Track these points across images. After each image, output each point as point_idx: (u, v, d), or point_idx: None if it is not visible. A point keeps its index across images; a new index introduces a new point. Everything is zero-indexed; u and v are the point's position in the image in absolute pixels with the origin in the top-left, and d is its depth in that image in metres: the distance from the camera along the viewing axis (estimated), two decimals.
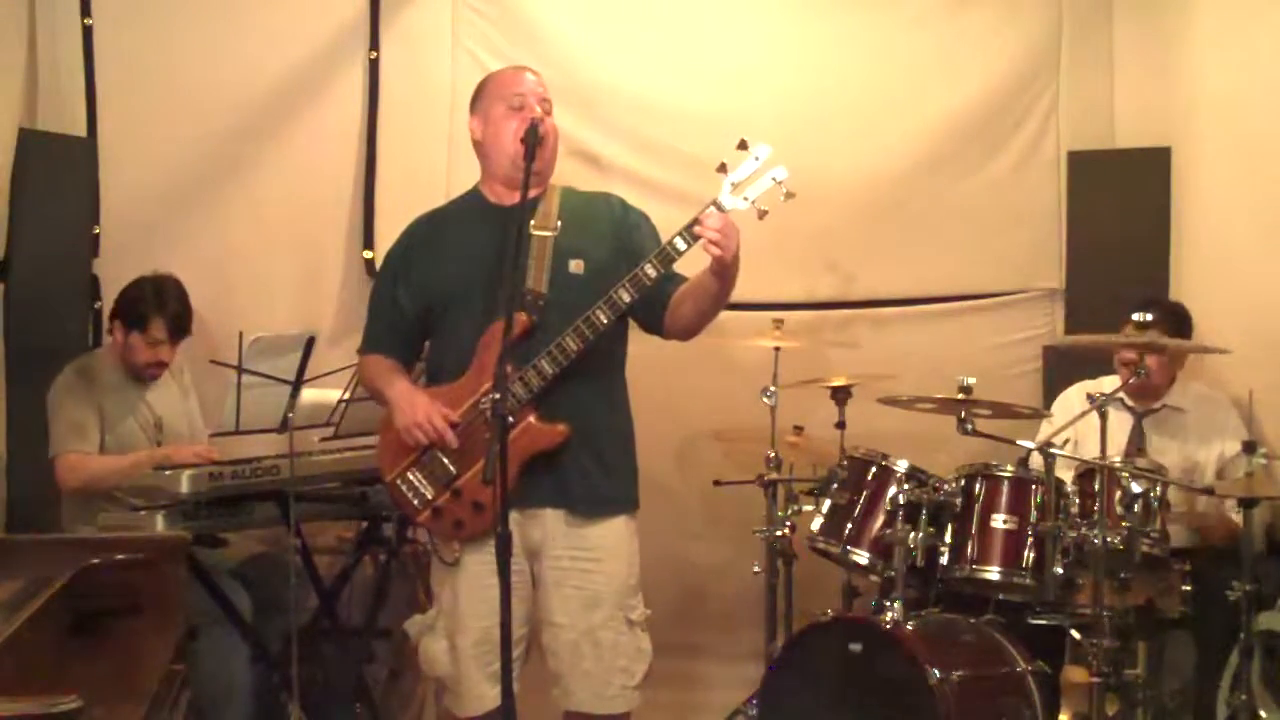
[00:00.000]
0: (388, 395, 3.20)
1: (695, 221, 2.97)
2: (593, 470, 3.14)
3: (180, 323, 4.06)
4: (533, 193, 3.12)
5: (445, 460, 3.13)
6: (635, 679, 3.15)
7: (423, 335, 3.30)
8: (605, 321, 3.01)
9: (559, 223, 3.17)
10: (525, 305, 3.06)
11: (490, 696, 3.05)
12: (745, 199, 3.02)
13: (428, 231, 3.32)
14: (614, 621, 3.12)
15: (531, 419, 3.05)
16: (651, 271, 2.99)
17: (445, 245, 3.25)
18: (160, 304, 4.02)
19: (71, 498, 3.96)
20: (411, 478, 3.16)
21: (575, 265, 3.13)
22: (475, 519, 3.09)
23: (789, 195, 3.02)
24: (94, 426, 3.97)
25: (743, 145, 3.03)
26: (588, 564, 3.12)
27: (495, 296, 3.03)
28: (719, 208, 3.00)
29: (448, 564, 3.16)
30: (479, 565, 3.10)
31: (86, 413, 3.97)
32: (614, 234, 3.21)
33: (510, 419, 2.91)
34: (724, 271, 3.01)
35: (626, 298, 3.00)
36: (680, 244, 2.98)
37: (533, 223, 3.13)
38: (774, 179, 3.02)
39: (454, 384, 3.14)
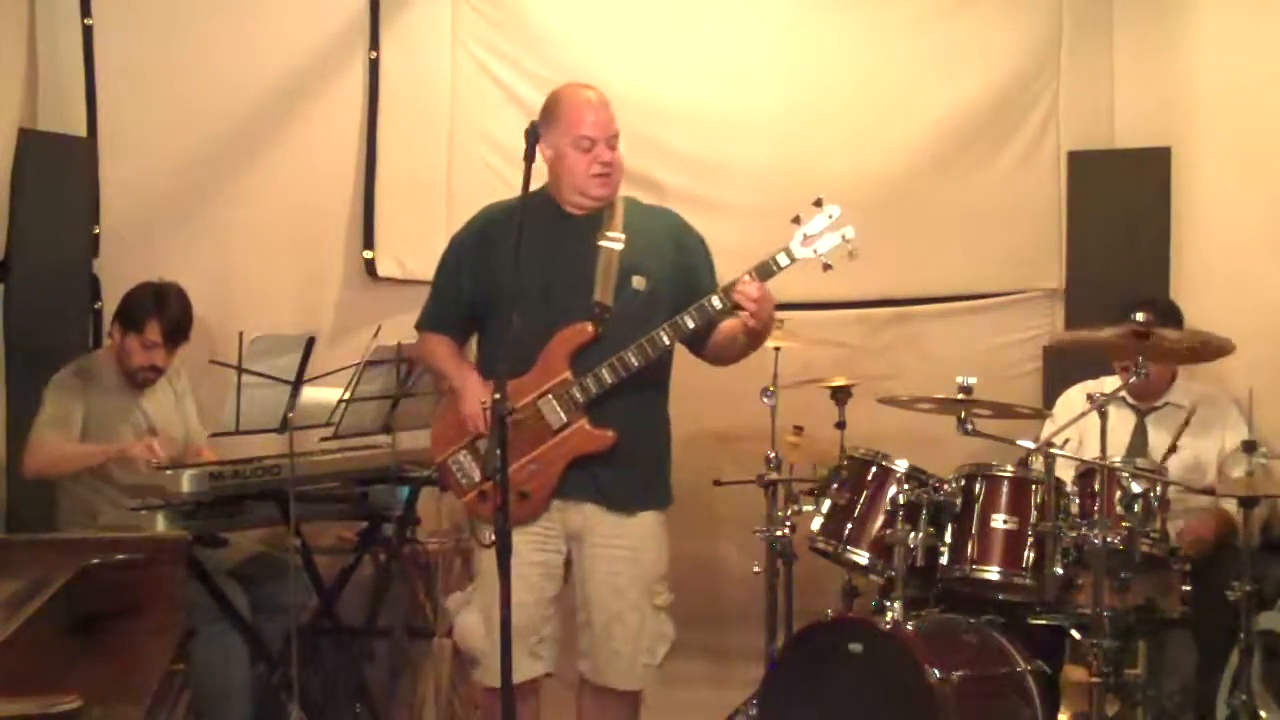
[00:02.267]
0: (456, 383, 3.39)
1: (763, 265, 3.21)
2: (627, 473, 3.33)
3: (176, 328, 4.05)
4: (598, 205, 3.33)
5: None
6: (657, 658, 3.39)
7: (477, 322, 3.43)
8: (667, 343, 3.24)
9: (623, 236, 3.31)
10: (592, 317, 3.25)
11: (523, 669, 3.21)
12: (815, 251, 3.26)
13: (500, 224, 3.37)
14: (641, 605, 3.34)
15: (584, 423, 3.25)
16: (718, 303, 3.22)
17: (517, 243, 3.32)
18: (158, 308, 4.02)
19: (33, 479, 3.96)
20: (462, 460, 3.36)
21: (638, 281, 3.30)
22: (519, 506, 3.21)
23: (854, 254, 3.27)
24: (77, 421, 3.97)
25: (818, 203, 3.27)
26: (622, 552, 3.33)
27: (560, 300, 3.23)
28: (790, 255, 3.24)
29: (484, 546, 3.29)
30: (520, 545, 3.16)
31: (72, 406, 3.97)
32: (674, 254, 3.39)
33: (564, 420, 3.24)
34: (754, 332, 3.28)
35: (690, 324, 3.23)
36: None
37: (608, 234, 3.30)
38: (843, 237, 3.28)
39: (519, 380, 3.21)
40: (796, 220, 3.25)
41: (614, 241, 3.30)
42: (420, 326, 3.53)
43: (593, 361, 3.22)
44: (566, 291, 3.25)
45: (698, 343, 3.40)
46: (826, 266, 3.25)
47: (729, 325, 3.34)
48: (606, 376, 3.20)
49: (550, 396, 3.24)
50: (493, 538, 3.23)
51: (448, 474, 3.39)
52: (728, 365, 3.47)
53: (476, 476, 3.32)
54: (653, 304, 3.28)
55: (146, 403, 4.13)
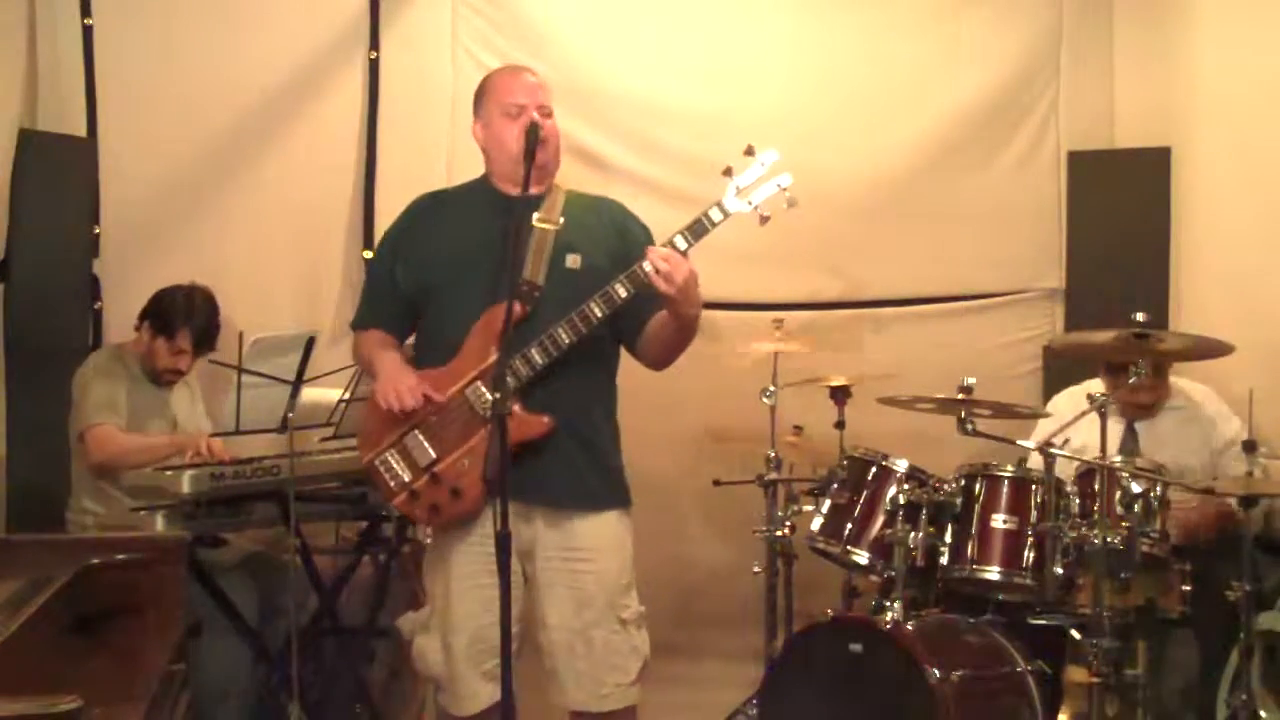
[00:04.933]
0: (376, 367, 3.19)
1: (695, 224, 3.01)
2: (581, 466, 3.12)
3: (206, 335, 4.10)
4: (538, 189, 3.16)
5: (425, 444, 3.11)
6: (630, 676, 3.13)
7: (415, 314, 3.27)
8: (599, 315, 3.01)
9: (561, 219, 3.17)
10: (521, 295, 3.03)
11: (485, 695, 3.07)
12: (749, 203, 3.06)
13: (430, 211, 3.32)
14: (606, 620, 3.11)
15: (516, 408, 3.00)
16: (649, 267, 2.95)
17: (447, 227, 3.24)
18: (189, 315, 4.05)
19: (96, 471, 3.95)
20: (390, 460, 3.13)
21: (572, 260, 3.13)
22: (452, 505, 3.08)
23: (792, 202, 3.07)
24: (123, 405, 4.00)
25: (749, 151, 3.09)
26: (578, 564, 3.11)
27: (493, 283, 3.02)
28: (723, 210, 3.04)
29: (424, 543, 3.17)
30: (472, 565, 3.10)
31: (117, 391, 4.01)
32: (613, 239, 3.21)
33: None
34: (676, 310, 3.01)
35: (623, 292, 3.00)
36: (680, 243, 3.00)
37: (536, 215, 3.14)
38: (779, 185, 3.07)
39: (444, 368, 3.12)
40: (728, 172, 3.04)
41: (548, 222, 3.13)
42: (354, 326, 3.39)
43: (525, 344, 3.00)
44: (497, 273, 3.00)
45: (630, 337, 3.19)
46: (764, 219, 3.04)
47: (659, 314, 3.10)
48: (536, 356, 2.99)
49: (479, 383, 3.03)
50: (428, 536, 3.14)
51: (376, 475, 3.15)
52: (667, 364, 3.21)
53: (406, 477, 3.10)
54: (589, 285, 3.04)
55: (172, 399, 4.18)
